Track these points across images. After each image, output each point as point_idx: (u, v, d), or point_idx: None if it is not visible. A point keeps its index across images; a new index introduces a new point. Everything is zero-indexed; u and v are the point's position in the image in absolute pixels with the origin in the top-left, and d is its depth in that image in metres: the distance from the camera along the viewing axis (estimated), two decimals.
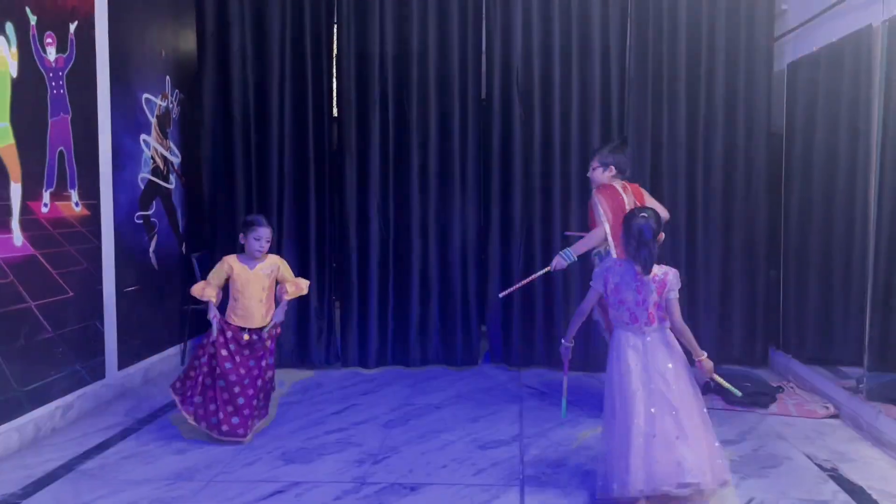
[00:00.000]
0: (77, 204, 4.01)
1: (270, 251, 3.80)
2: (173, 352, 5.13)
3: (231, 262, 3.71)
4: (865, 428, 3.71)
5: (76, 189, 4.00)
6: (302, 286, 3.83)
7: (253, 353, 3.68)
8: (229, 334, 3.65)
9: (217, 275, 3.71)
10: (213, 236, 5.12)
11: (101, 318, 4.24)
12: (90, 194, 4.13)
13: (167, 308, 5.05)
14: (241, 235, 3.73)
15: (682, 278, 5.02)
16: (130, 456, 3.43)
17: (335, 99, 5.20)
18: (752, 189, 4.94)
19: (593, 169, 3.93)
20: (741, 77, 4.89)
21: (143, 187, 4.73)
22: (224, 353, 3.61)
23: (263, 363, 3.71)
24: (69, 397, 3.93)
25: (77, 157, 4.00)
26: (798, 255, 4.79)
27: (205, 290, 3.67)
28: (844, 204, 4.39)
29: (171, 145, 5.16)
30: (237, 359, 3.63)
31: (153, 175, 4.88)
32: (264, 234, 3.69)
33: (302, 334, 5.08)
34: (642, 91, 4.93)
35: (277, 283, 3.80)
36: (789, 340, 4.88)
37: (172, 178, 5.17)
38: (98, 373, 4.21)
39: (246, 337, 3.66)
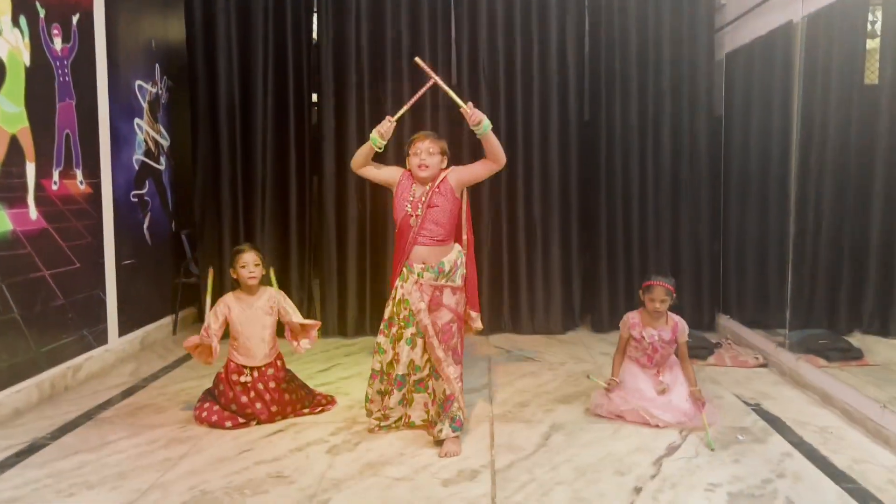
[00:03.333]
0: (82, 182, 4.37)
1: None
2: (166, 321, 5.50)
3: (229, 302, 3.65)
4: (787, 373, 4.27)
5: (81, 168, 4.35)
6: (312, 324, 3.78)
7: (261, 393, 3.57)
8: (234, 377, 3.59)
9: (215, 316, 3.61)
10: (201, 215, 5.50)
11: (103, 289, 4.61)
12: (93, 174, 4.49)
13: (160, 281, 5.43)
14: (231, 270, 3.68)
15: (635, 254, 5.61)
16: (142, 407, 3.83)
17: (314, 85, 5.59)
18: (696, 168, 5.46)
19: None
20: (685, 66, 5.40)
21: (137, 168, 5.09)
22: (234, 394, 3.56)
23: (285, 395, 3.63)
24: (79, 359, 4.30)
25: (81, 139, 4.35)
26: (736, 228, 5.34)
27: (201, 343, 3.59)
28: (776, 182, 4.94)
29: (161, 129, 5.51)
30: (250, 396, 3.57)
31: (146, 157, 5.23)
32: (249, 259, 3.59)
33: None
34: (597, 81, 5.43)
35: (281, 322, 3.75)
36: (730, 305, 5.45)
37: (163, 159, 5.53)
38: (102, 338, 4.58)
39: (244, 379, 3.57)
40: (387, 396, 3.37)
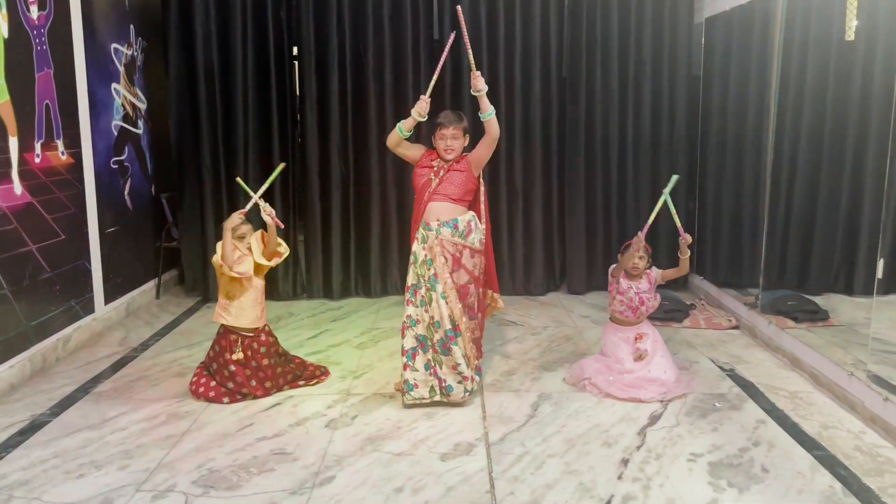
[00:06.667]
0: (63, 153, 4.31)
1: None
2: (149, 286, 5.52)
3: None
4: (759, 336, 4.48)
5: (61, 139, 4.29)
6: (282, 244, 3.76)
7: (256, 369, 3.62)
8: (226, 355, 3.60)
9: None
10: (180, 178, 5.46)
11: (88, 258, 4.60)
12: (73, 143, 4.43)
13: (142, 246, 5.42)
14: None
15: (614, 214, 5.71)
16: (137, 379, 3.89)
17: (295, 44, 5.49)
18: (675, 130, 5.54)
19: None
20: (666, 30, 5.43)
21: (116, 134, 5.02)
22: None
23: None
24: (67, 330, 4.33)
25: (61, 108, 4.27)
26: (711, 189, 5.48)
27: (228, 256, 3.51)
28: (751, 144, 5.06)
29: (138, 92, 5.41)
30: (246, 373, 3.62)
31: (124, 122, 5.15)
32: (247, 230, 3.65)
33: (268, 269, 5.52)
34: (578, 42, 5.43)
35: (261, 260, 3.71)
36: (704, 265, 5.62)
37: (140, 123, 5.45)
38: (89, 308, 4.60)
39: (237, 356, 3.59)
40: (437, 367, 3.44)
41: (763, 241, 4.59)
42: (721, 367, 4.00)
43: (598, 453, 2.99)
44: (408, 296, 3.51)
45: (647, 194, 5.62)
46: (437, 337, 3.44)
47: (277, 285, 5.52)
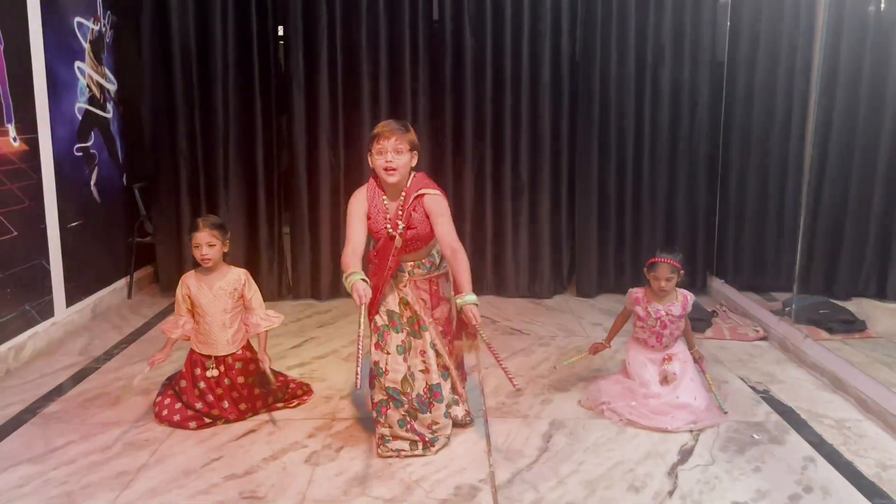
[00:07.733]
0: (15, 139, 3.83)
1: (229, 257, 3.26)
2: (120, 285, 5.05)
3: (188, 281, 3.18)
4: (791, 350, 4.03)
5: (13, 123, 3.80)
6: (273, 320, 3.25)
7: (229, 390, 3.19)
8: (197, 371, 3.20)
9: (179, 303, 3.20)
10: (154, 166, 4.99)
11: (46, 257, 4.13)
12: (28, 128, 3.94)
13: (112, 241, 4.95)
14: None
15: (628, 211, 5.26)
16: (95, 397, 3.43)
17: (280, 19, 5.00)
18: (695, 120, 5.07)
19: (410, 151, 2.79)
20: (687, 11, 4.94)
21: (80, 118, 4.53)
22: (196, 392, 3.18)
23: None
24: (21, 337, 3.87)
25: (12, 89, 3.78)
26: (735, 185, 5.03)
27: (174, 332, 3.19)
28: (782, 136, 4.63)
29: (107, 72, 4.92)
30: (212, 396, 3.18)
31: (90, 104, 4.66)
32: (201, 239, 3.07)
33: (252, 266, 5.04)
34: (592, 24, 4.95)
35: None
36: (724, 268, 5.18)
37: (109, 106, 4.96)
38: (47, 312, 4.14)
39: (210, 374, 3.17)
40: (413, 422, 2.86)
41: (799, 243, 4.14)
42: (754, 389, 3.56)
43: (624, 501, 2.54)
44: (375, 338, 2.86)
45: (664, 188, 5.16)
46: (414, 393, 2.86)
47: (261, 285, 5.01)
